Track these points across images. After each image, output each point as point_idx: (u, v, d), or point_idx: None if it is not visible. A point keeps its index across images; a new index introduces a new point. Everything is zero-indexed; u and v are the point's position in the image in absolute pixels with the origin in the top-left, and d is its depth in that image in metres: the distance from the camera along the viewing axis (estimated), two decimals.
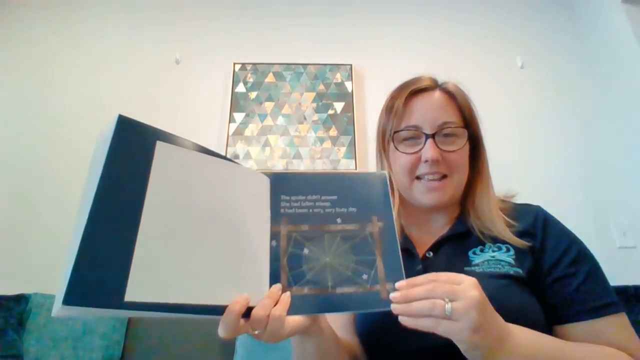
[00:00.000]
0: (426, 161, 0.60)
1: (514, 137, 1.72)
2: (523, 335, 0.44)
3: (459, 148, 0.61)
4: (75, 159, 1.59)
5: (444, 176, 0.62)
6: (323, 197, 0.49)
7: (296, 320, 0.43)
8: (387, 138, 0.67)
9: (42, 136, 1.67)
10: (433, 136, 0.61)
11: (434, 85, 0.66)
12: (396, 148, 0.65)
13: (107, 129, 0.39)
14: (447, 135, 0.62)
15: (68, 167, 1.60)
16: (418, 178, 0.63)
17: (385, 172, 0.54)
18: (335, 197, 0.50)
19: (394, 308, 0.41)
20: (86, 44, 1.84)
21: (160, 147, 0.40)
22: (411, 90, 0.65)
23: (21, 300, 1.26)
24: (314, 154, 1.68)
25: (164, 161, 0.40)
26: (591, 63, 1.90)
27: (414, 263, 0.61)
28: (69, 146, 1.64)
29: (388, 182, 0.52)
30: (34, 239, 1.51)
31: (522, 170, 1.64)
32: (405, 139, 0.64)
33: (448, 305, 0.38)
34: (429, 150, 0.60)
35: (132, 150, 0.38)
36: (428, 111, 0.63)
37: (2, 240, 1.50)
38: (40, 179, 1.60)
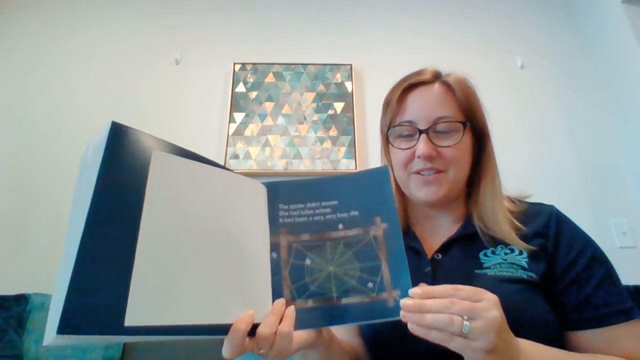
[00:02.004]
0: (419, 157, 0.59)
1: (513, 137, 1.72)
2: (532, 352, 0.43)
3: (455, 143, 0.59)
4: (75, 159, 1.59)
5: (441, 171, 0.60)
6: (323, 204, 0.48)
7: (302, 334, 0.42)
8: (384, 134, 0.67)
9: (42, 136, 1.66)
10: (427, 132, 0.59)
11: (434, 78, 0.64)
12: (391, 144, 0.64)
13: (98, 136, 0.36)
14: (443, 130, 0.60)
15: (68, 167, 1.59)
16: (415, 173, 0.61)
17: (387, 166, 0.53)
18: (335, 202, 0.48)
19: (404, 316, 0.39)
20: (86, 43, 1.84)
21: (156, 156, 0.37)
22: (407, 85, 0.63)
23: (21, 300, 1.26)
24: (314, 154, 1.68)
25: (161, 172, 0.37)
26: (591, 63, 1.89)
27: (422, 264, 0.60)
28: (68, 146, 1.64)
29: (390, 176, 0.49)
30: (34, 239, 1.51)
31: (520, 170, 1.64)
32: (401, 134, 0.63)
33: (466, 324, 0.37)
34: (421, 147, 0.58)
35: (127, 160, 0.35)
36: (423, 106, 0.61)
37: (2, 240, 1.50)
38: (40, 178, 1.60)
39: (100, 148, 0.34)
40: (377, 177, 0.49)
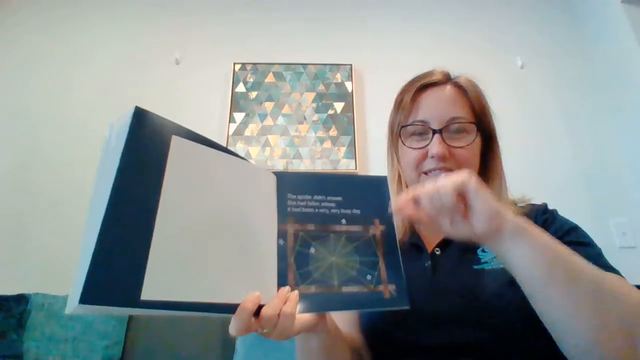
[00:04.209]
0: (432, 157, 0.59)
1: (513, 137, 1.72)
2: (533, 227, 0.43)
3: (468, 144, 0.60)
4: (76, 159, 1.59)
5: (451, 172, 0.60)
6: (329, 198, 0.50)
7: (304, 317, 0.44)
8: (395, 133, 0.67)
9: (42, 136, 1.67)
10: (440, 132, 0.60)
11: (445, 79, 0.65)
12: (403, 143, 0.64)
13: (121, 121, 0.37)
14: (456, 131, 0.61)
15: (69, 167, 1.60)
16: (425, 173, 0.62)
17: (386, 175, 0.54)
18: (340, 199, 0.50)
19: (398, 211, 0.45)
20: (86, 43, 1.84)
21: (175, 141, 0.39)
22: (420, 85, 0.64)
23: (21, 300, 1.26)
24: (314, 154, 1.68)
25: (179, 157, 0.39)
26: (591, 63, 1.89)
27: (423, 259, 0.61)
28: (68, 146, 1.64)
29: (389, 186, 0.53)
30: (34, 239, 1.51)
31: (520, 170, 1.64)
32: (413, 133, 0.63)
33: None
34: (435, 146, 0.59)
35: (148, 144, 0.37)
36: (436, 106, 0.62)
37: (3, 240, 1.50)
38: (40, 178, 1.60)
39: (123, 131, 0.36)
40: (377, 184, 0.53)
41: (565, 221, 0.59)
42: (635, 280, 1.39)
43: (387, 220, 0.50)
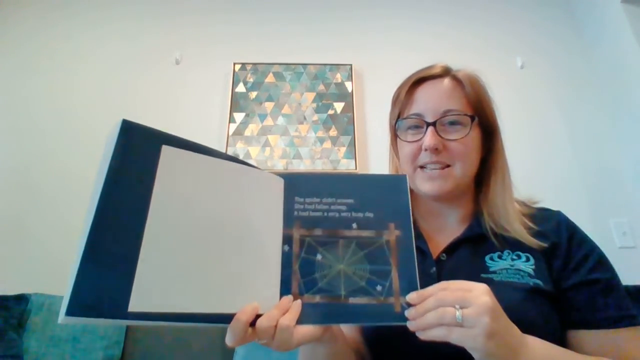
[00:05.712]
0: (426, 150, 0.58)
1: (513, 138, 1.72)
2: (539, 347, 0.43)
3: (462, 137, 0.58)
4: (75, 159, 1.59)
5: (447, 166, 0.59)
6: (339, 200, 0.47)
7: (306, 329, 0.42)
8: (391, 127, 0.66)
9: (42, 136, 1.66)
10: (434, 124, 0.58)
11: (444, 73, 0.63)
12: (398, 137, 0.63)
13: (111, 134, 0.38)
14: (451, 124, 0.59)
15: (69, 167, 1.60)
16: (422, 167, 0.61)
17: (406, 175, 0.52)
18: (351, 201, 0.47)
19: (410, 325, 0.41)
20: (86, 43, 1.84)
21: (165, 151, 0.39)
22: (417, 78, 0.63)
23: (21, 300, 1.26)
24: (314, 154, 1.68)
25: (169, 166, 0.39)
26: (591, 63, 1.89)
27: (428, 265, 0.59)
28: (69, 146, 1.64)
29: (408, 186, 0.49)
30: (34, 239, 1.51)
31: (520, 170, 1.63)
32: (410, 127, 0.62)
33: (458, 313, 0.38)
34: (428, 139, 0.58)
35: (136, 156, 0.37)
36: (431, 99, 0.60)
37: (2, 240, 1.50)
38: (40, 178, 1.60)
39: (111, 145, 0.37)
40: (395, 184, 0.49)
41: (591, 250, 0.56)
42: (635, 280, 1.39)
43: (405, 224, 0.46)
